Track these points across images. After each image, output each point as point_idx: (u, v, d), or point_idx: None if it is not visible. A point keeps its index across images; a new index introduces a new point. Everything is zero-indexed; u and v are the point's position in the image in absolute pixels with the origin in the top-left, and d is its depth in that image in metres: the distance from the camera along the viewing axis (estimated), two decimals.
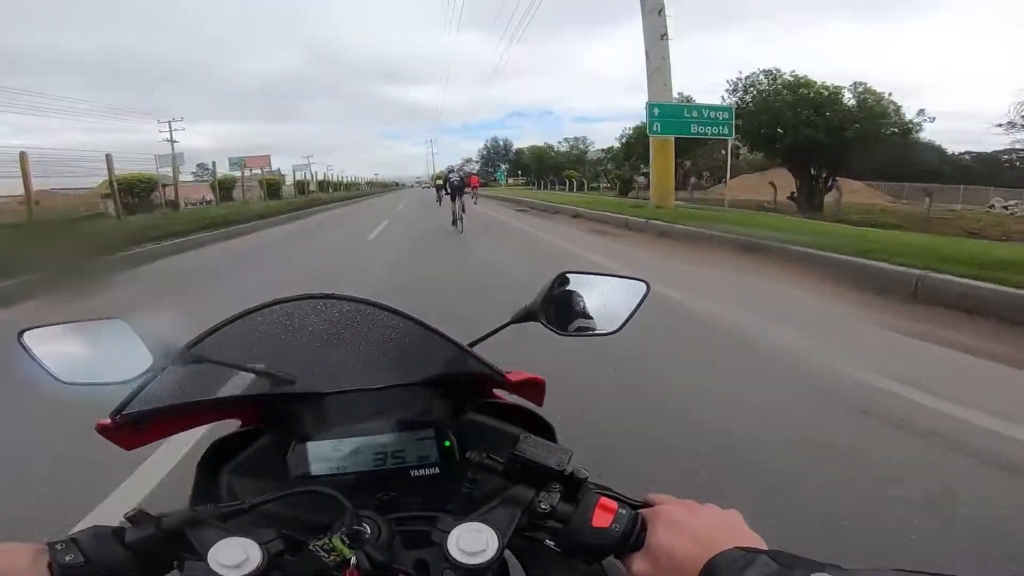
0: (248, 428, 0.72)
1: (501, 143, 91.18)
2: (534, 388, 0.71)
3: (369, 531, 0.52)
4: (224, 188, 22.02)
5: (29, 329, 0.66)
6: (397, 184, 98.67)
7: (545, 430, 0.71)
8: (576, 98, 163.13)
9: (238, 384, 0.67)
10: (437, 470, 0.65)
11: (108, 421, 0.61)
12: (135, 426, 0.62)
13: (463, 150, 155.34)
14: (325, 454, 0.64)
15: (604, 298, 0.79)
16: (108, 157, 13.07)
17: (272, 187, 25.27)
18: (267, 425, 0.71)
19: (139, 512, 0.52)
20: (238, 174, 26.22)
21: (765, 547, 0.46)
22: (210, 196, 22.48)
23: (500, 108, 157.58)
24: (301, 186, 31.59)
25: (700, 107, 15.50)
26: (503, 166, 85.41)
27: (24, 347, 0.65)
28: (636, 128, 35.68)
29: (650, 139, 14.30)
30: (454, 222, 12.47)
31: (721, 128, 14.86)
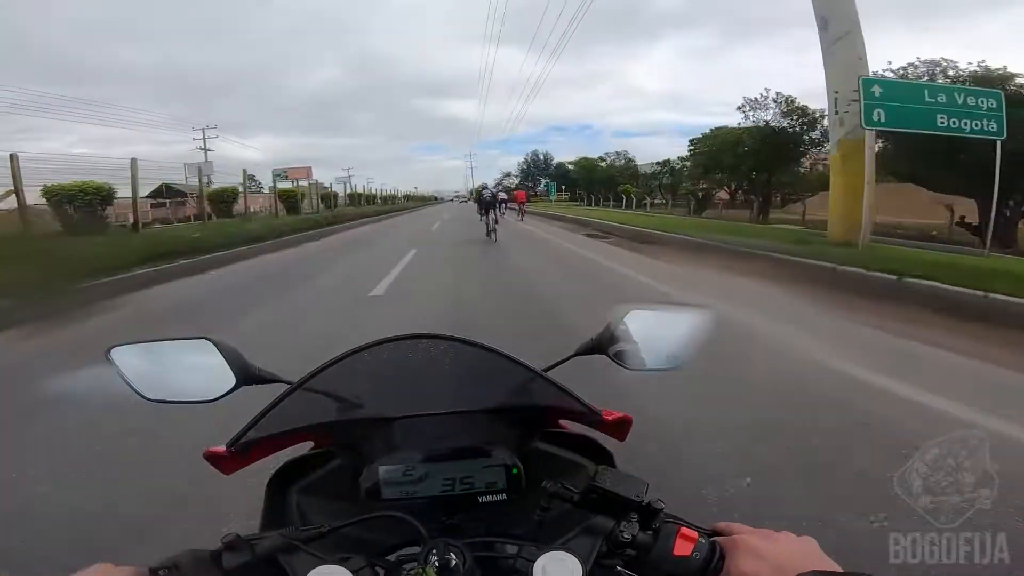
0: (319, 451, 0.74)
1: (541, 157, 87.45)
2: (620, 425, 0.71)
3: (455, 560, 0.53)
4: (224, 202, 19.26)
5: (117, 346, 0.69)
6: (435, 198, 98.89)
7: (606, 458, 0.72)
8: (615, 113, 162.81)
9: (316, 410, 0.69)
10: (504, 497, 0.66)
11: (222, 449, 0.64)
12: (240, 454, 0.65)
13: (502, 165, 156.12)
14: (396, 478, 0.65)
15: (669, 329, 0.79)
16: (133, 162, 12.06)
17: (290, 200, 23.22)
18: (339, 448, 0.73)
19: (236, 538, 0.53)
20: (283, 184, 27.15)
21: (840, 571, 0.48)
22: (252, 206, 21.67)
23: (539, 123, 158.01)
24: (327, 200, 29.39)
25: (950, 89, 9.42)
26: (544, 181, 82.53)
27: (111, 363, 0.68)
28: (719, 133, 29.79)
29: (838, 141, 9.30)
30: (488, 233, 13.90)
31: (986, 122, 8.74)
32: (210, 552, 0.54)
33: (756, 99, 25.99)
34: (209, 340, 0.69)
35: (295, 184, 29.40)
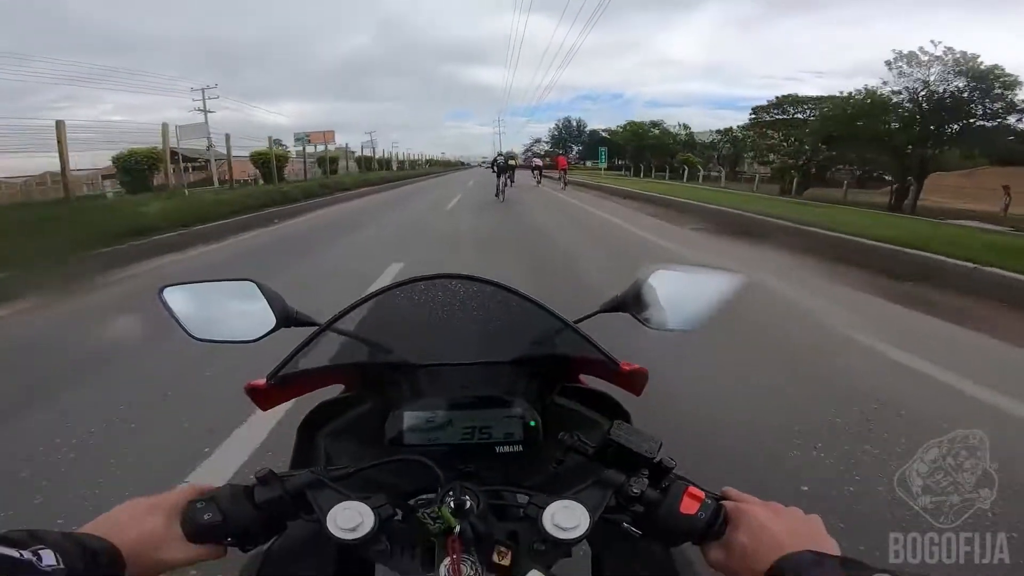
0: (349, 395, 0.79)
1: (574, 124, 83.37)
2: (636, 377, 0.73)
3: (470, 502, 0.57)
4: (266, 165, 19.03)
5: (168, 286, 0.74)
6: (462, 163, 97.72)
7: (623, 417, 0.73)
8: (647, 83, 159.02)
9: (348, 353, 0.73)
10: (521, 448, 0.69)
11: (262, 383, 0.68)
12: (278, 388, 0.70)
13: (530, 132, 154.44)
14: (419, 425, 0.68)
15: (695, 290, 0.80)
16: (164, 127, 12.54)
17: (274, 163, 19.57)
18: (367, 393, 0.77)
19: (268, 473, 0.58)
20: (305, 149, 26.06)
21: (839, 553, 0.49)
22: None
23: (568, 91, 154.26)
24: (325, 163, 26.44)
25: None
26: (577, 148, 77.49)
27: (163, 303, 0.74)
28: (842, 100, 25.05)
29: None
30: (497, 193, 16.45)
31: None
32: (244, 486, 0.58)
33: (914, 54, 21.09)
34: (253, 282, 0.73)
35: (316, 149, 28.99)
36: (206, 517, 0.55)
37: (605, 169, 50.18)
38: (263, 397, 0.71)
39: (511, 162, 21.03)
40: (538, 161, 29.30)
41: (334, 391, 0.81)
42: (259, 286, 0.73)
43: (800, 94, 34.46)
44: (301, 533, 0.65)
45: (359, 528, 0.53)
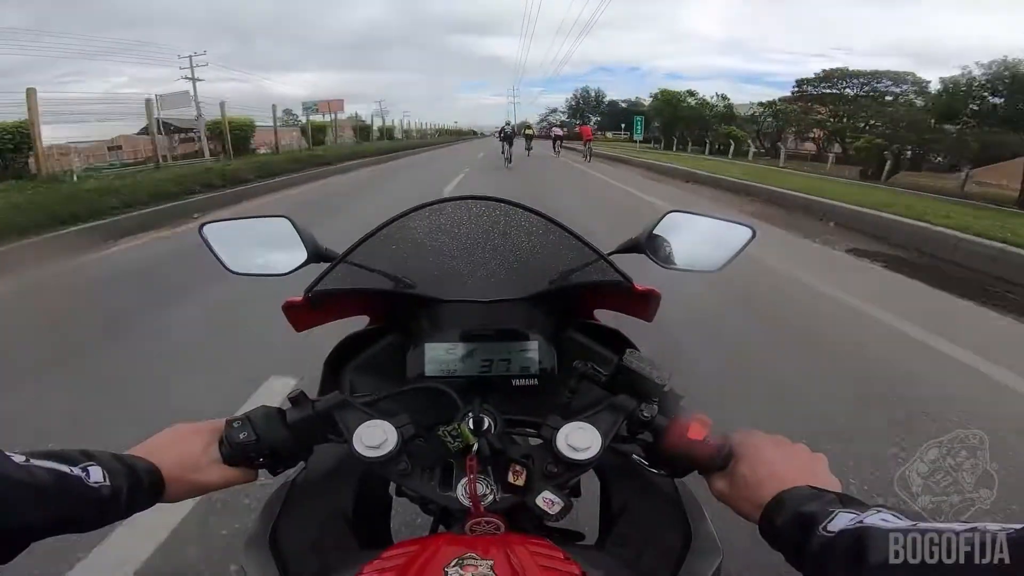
0: (373, 328, 0.82)
1: (592, 94, 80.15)
2: (648, 301, 0.75)
3: (488, 421, 0.60)
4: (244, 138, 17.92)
5: (208, 223, 0.78)
6: (475, 133, 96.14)
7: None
8: (664, 56, 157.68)
9: (374, 282, 0.75)
10: (536, 382, 0.71)
11: (299, 299, 0.71)
12: (313, 307, 0.73)
13: (545, 102, 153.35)
14: (439, 356, 0.71)
15: (708, 239, 0.82)
16: (148, 102, 12.46)
17: (240, 134, 17.85)
18: (390, 326, 0.81)
19: (300, 394, 0.62)
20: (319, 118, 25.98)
21: (839, 490, 0.51)
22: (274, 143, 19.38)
23: (583, 63, 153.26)
24: (307, 134, 23.42)
25: None
26: (595, 119, 73.30)
27: (203, 238, 0.77)
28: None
29: None
30: (506, 160, 17.94)
31: None
32: (277, 408, 0.62)
33: None
34: (287, 219, 0.76)
35: (323, 117, 28.35)
36: (242, 436, 0.59)
37: (625, 141, 47.07)
38: (297, 316, 0.74)
39: (527, 131, 24.25)
40: (558, 130, 27.47)
41: (359, 324, 0.84)
42: (292, 223, 0.76)
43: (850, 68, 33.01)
44: (325, 463, 0.69)
45: (383, 446, 0.56)
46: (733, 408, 2.25)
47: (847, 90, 35.99)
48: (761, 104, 43.03)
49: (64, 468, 0.47)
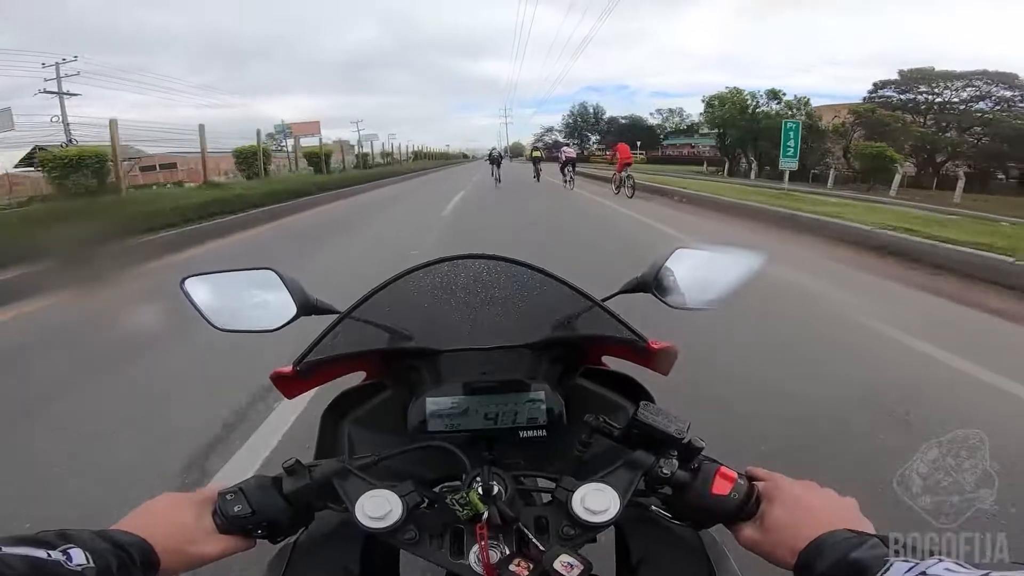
0: (371, 382, 0.81)
1: (591, 110, 74.28)
2: (665, 356, 0.73)
3: (497, 487, 0.58)
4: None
5: (190, 276, 0.77)
6: (464, 155, 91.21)
7: (647, 399, 0.74)
8: (654, 73, 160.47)
9: (369, 340, 0.75)
10: (544, 433, 0.70)
11: (288, 370, 0.70)
12: (304, 375, 0.71)
13: (537, 123, 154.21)
14: (441, 411, 0.69)
15: (717, 271, 0.81)
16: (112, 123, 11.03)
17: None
18: (389, 380, 0.79)
19: (295, 463, 0.60)
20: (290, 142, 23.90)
21: (873, 532, 0.50)
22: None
23: (573, 83, 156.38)
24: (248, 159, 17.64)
25: None
26: (595, 138, 68.37)
27: (185, 293, 0.76)
28: None
29: None
30: (496, 180, 19.61)
31: None
32: (272, 477, 0.60)
33: None
34: (273, 271, 0.75)
35: (299, 142, 26.33)
36: (236, 509, 0.57)
37: (645, 162, 34.98)
38: (288, 385, 0.73)
39: (534, 153, 23.22)
40: (569, 151, 19.56)
41: (356, 378, 0.83)
42: (279, 275, 0.75)
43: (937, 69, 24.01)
44: (328, 523, 0.67)
45: (388, 516, 0.55)
46: None
47: (928, 96, 29.80)
48: (855, 111, 31.95)
49: (39, 553, 0.44)
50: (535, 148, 23.26)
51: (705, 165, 31.72)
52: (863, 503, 0.58)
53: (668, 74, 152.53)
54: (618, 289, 0.85)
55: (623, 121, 68.05)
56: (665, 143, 60.95)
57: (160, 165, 24.96)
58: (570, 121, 76.70)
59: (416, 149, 58.43)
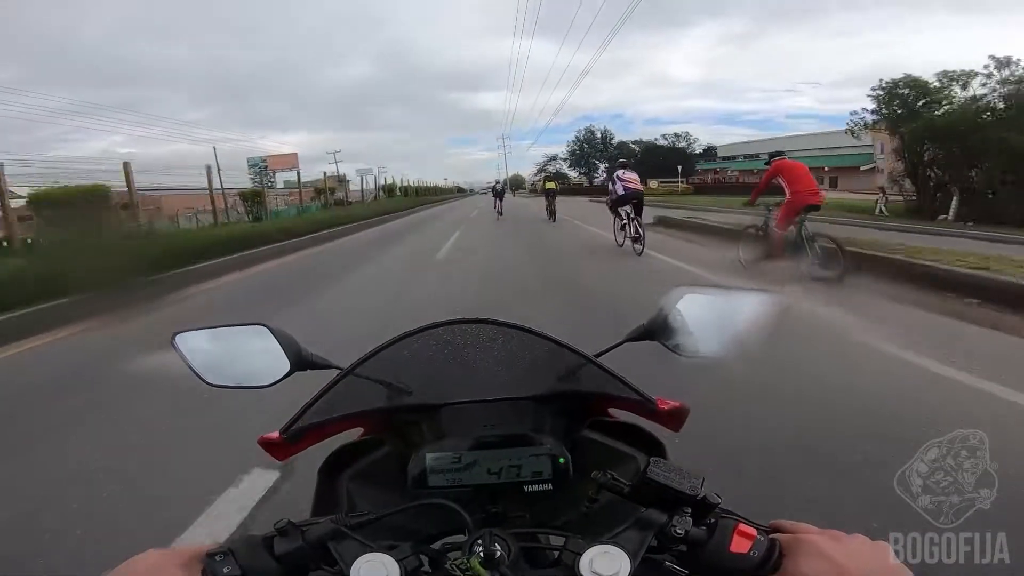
0: (369, 438, 0.81)
1: (598, 135, 70.70)
2: (676, 415, 0.73)
3: (500, 551, 0.57)
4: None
5: (181, 332, 0.78)
6: (459, 189, 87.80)
7: (657, 449, 0.74)
8: (645, 101, 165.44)
9: (365, 398, 0.75)
10: (550, 487, 0.69)
11: (275, 436, 0.71)
12: (293, 440, 0.72)
13: (535, 155, 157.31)
14: (442, 466, 0.69)
15: (727, 316, 0.79)
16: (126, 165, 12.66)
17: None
18: (388, 435, 0.80)
19: (288, 524, 0.59)
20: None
21: None
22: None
23: (567, 113, 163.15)
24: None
25: None
26: (603, 166, 65.74)
27: (176, 348, 0.77)
28: None
29: None
30: (498, 213, 20.99)
31: None
32: (263, 537, 0.59)
33: None
34: (265, 326, 0.76)
35: (273, 175, 25.78)
36: (225, 571, 0.55)
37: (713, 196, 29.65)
38: (278, 449, 0.73)
39: (548, 184, 20.30)
40: (634, 180, 9.70)
41: (354, 433, 0.83)
42: (271, 330, 0.76)
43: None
44: None
45: None
46: None
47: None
48: None
49: None
50: (548, 178, 20.60)
51: (882, 199, 20.11)
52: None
53: (659, 102, 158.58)
54: (623, 338, 0.83)
55: (633, 146, 64.67)
56: (699, 168, 58.69)
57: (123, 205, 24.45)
58: (576, 148, 71.37)
59: (390, 183, 51.06)
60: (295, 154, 28.72)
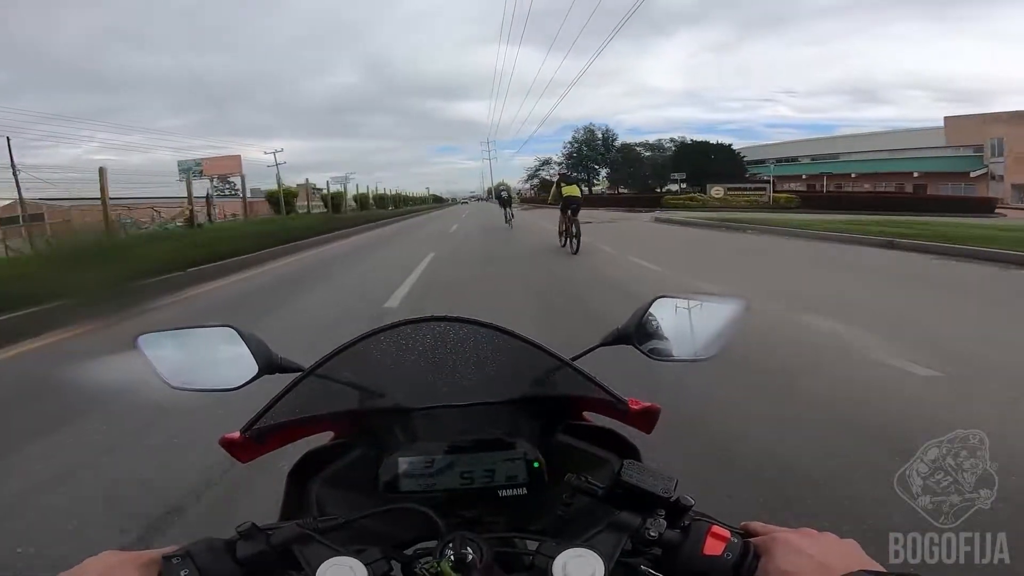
0: (340, 441, 0.80)
1: (599, 135, 60.17)
2: (647, 416, 0.74)
3: (472, 555, 0.57)
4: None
5: (145, 333, 0.77)
6: (437, 198, 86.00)
7: (632, 453, 0.75)
8: (627, 111, 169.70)
9: (336, 398, 0.75)
10: (525, 491, 0.70)
11: (236, 436, 0.69)
12: (259, 440, 0.71)
13: (517, 165, 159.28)
14: (415, 470, 0.69)
15: (700, 320, 0.83)
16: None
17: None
18: (359, 439, 0.79)
19: (251, 527, 0.58)
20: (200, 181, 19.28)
21: (886, 571, 0.50)
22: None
23: (551, 123, 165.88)
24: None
25: None
26: (604, 172, 59.37)
27: (139, 349, 0.76)
28: None
29: None
30: (506, 220, 20.18)
31: None
32: (225, 541, 0.58)
33: None
34: (233, 328, 0.75)
35: (212, 181, 23.35)
36: (183, 574, 0.54)
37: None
38: (241, 450, 0.72)
39: (568, 190, 11.61)
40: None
41: (324, 436, 0.82)
42: (239, 332, 0.75)
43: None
44: None
45: None
46: None
47: None
48: None
49: None
50: (567, 179, 13.13)
51: None
52: None
53: (639, 112, 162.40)
54: (598, 342, 0.86)
55: (640, 150, 55.59)
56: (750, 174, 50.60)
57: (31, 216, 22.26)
58: (573, 151, 60.41)
59: (374, 192, 45.83)
60: (238, 157, 26.61)
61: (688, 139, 53.71)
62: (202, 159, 25.59)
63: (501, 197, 22.65)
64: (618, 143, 57.72)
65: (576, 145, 59.81)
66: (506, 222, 20.80)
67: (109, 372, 3.61)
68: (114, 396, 3.38)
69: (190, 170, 23.51)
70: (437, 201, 77.18)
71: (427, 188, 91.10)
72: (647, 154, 54.46)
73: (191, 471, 2.56)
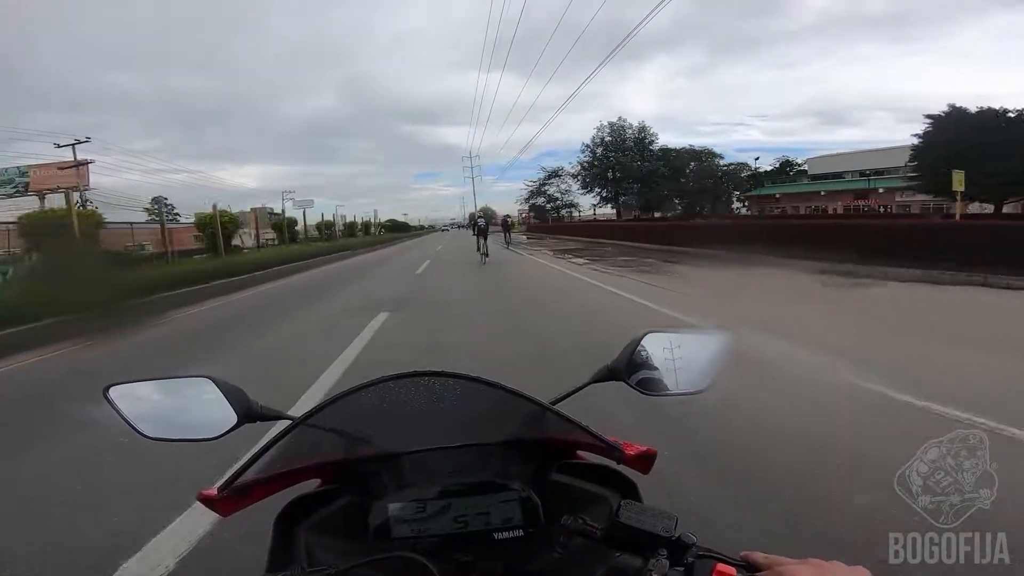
0: (327, 487, 0.80)
1: (629, 133, 46.98)
2: (644, 459, 0.77)
3: None
4: None
5: (114, 385, 0.77)
6: (407, 225, 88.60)
7: (629, 490, 0.77)
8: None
9: (321, 448, 0.77)
10: (521, 532, 0.71)
11: (213, 492, 0.70)
12: (240, 494, 0.71)
13: (499, 191, 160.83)
14: (406, 516, 0.70)
15: (688, 355, 0.86)
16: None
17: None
18: (347, 484, 0.79)
19: None
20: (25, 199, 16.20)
21: None
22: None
23: (531, 148, 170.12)
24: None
25: None
26: (635, 185, 45.59)
27: (110, 402, 0.76)
28: None
29: None
30: (479, 252, 17.37)
31: None
32: None
33: None
34: (209, 378, 0.76)
35: (43, 200, 18.19)
36: None
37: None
38: (221, 504, 0.72)
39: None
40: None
41: (311, 483, 0.83)
42: (215, 382, 0.76)
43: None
44: None
45: None
46: None
47: None
48: None
49: None
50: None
51: None
52: None
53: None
54: (589, 379, 0.88)
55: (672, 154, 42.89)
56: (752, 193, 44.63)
57: None
58: (594, 160, 45.73)
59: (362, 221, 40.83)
60: (86, 161, 21.01)
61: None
62: (28, 167, 20.19)
63: (478, 225, 19.51)
64: (656, 146, 44.85)
65: (596, 148, 46.27)
66: (479, 254, 17.53)
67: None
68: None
69: (13, 181, 18.99)
70: (400, 231, 70.06)
71: (405, 214, 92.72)
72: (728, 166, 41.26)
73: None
